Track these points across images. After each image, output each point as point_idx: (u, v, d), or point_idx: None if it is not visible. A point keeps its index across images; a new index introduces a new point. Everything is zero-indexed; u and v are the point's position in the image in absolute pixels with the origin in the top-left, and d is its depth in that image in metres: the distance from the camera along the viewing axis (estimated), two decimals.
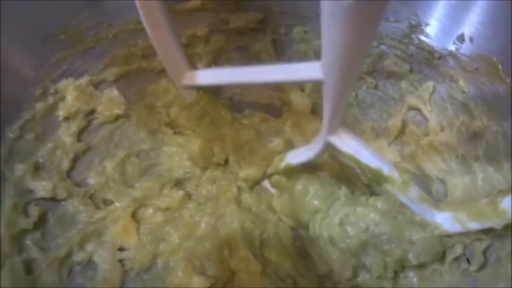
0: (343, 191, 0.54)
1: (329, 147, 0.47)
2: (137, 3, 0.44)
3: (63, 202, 0.54)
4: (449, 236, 0.46)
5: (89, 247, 0.53)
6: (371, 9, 0.28)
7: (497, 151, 0.49)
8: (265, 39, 0.66)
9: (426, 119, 0.58)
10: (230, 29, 0.64)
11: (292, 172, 0.56)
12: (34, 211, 0.51)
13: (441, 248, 0.47)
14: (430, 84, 0.57)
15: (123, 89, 0.60)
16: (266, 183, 0.60)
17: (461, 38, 0.51)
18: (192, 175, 0.61)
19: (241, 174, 0.58)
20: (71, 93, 0.56)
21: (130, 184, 0.59)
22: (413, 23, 0.55)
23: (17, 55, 0.50)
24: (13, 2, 0.48)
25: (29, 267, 0.48)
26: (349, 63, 0.34)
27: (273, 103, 0.68)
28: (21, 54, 0.51)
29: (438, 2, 0.52)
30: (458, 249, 0.47)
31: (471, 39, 0.50)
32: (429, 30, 0.54)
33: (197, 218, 0.57)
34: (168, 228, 0.57)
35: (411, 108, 0.60)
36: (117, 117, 0.60)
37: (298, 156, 0.53)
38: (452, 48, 0.53)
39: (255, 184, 0.59)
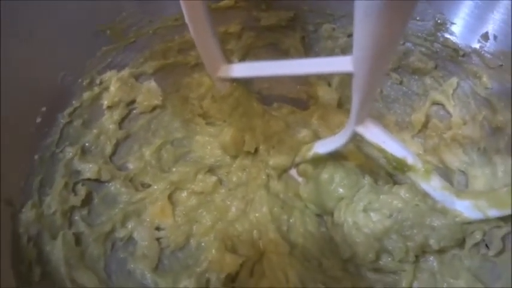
0: (367, 180, 0.56)
1: (355, 138, 0.50)
2: (181, 1, 0.48)
3: (107, 183, 0.59)
4: (469, 223, 0.48)
5: (130, 225, 0.57)
6: (401, 8, 0.31)
7: None
8: (295, 36, 0.68)
9: (449, 113, 0.60)
10: (261, 26, 0.67)
11: (319, 161, 0.59)
12: (81, 190, 0.56)
13: (461, 235, 0.49)
14: (454, 80, 0.59)
15: (160, 81, 0.65)
16: (293, 172, 0.63)
17: (485, 36, 0.53)
18: (222, 163, 0.64)
19: (271, 162, 0.60)
20: (114, 84, 0.60)
21: (165, 169, 0.63)
22: (439, 21, 0.57)
23: (70, 48, 0.55)
24: (67, 0, 0.53)
25: (78, 239, 0.53)
26: (379, 57, 0.37)
27: (300, 97, 0.71)
28: (74, 48, 0.56)
29: (463, 1, 0.54)
30: (477, 236, 0.48)
31: (495, 37, 0.52)
32: (454, 28, 0.56)
33: (228, 202, 0.61)
34: (201, 211, 0.60)
35: (435, 103, 0.62)
36: (154, 108, 0.65)
37: (326, 145, 0.56)
38: (476, 46, 0.54)
39: (282, 172, 0.62)
